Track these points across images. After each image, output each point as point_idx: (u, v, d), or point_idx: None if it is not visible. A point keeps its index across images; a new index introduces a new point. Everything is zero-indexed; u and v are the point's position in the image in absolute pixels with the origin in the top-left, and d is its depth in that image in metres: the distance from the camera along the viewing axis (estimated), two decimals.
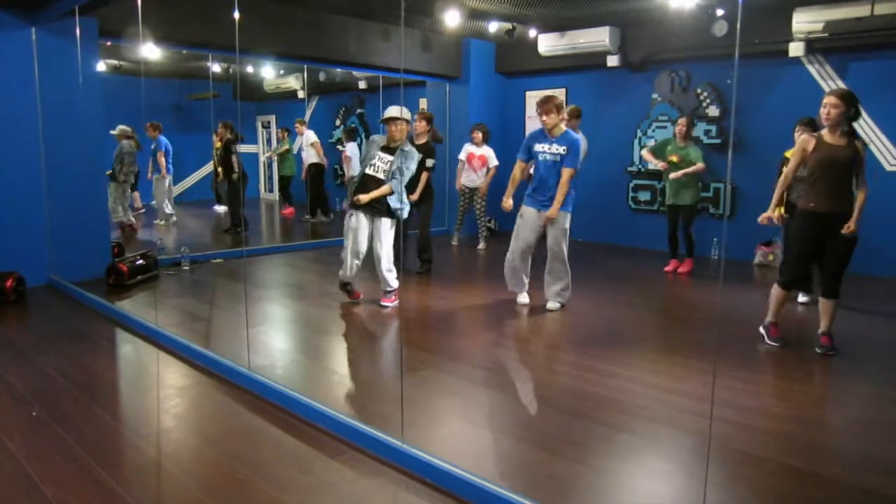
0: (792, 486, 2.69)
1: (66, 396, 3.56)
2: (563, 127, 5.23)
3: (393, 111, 5.19)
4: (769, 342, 4.44)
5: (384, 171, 5.23)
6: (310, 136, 10.51)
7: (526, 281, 5.52)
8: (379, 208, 5.25)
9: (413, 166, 5.27)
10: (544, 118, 5.15)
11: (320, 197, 10.68)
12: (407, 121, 5.26)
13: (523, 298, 5.54)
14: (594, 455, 2.94)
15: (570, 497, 2.59)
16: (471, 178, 8.32)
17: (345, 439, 3.03)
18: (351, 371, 4.26)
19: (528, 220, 5.32)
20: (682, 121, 6.75)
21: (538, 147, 5.26)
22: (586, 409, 3.43)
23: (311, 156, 10.43)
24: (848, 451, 3.05)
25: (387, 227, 5.29)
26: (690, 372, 3.96)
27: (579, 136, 7.22)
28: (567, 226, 5.27)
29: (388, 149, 5.29)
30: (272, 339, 4.80)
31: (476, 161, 8.26)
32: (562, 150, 5.16)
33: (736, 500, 2.57)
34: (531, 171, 5.60)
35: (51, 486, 2.62)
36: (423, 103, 10.63)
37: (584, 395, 3.62)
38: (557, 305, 5.39)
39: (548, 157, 5.20)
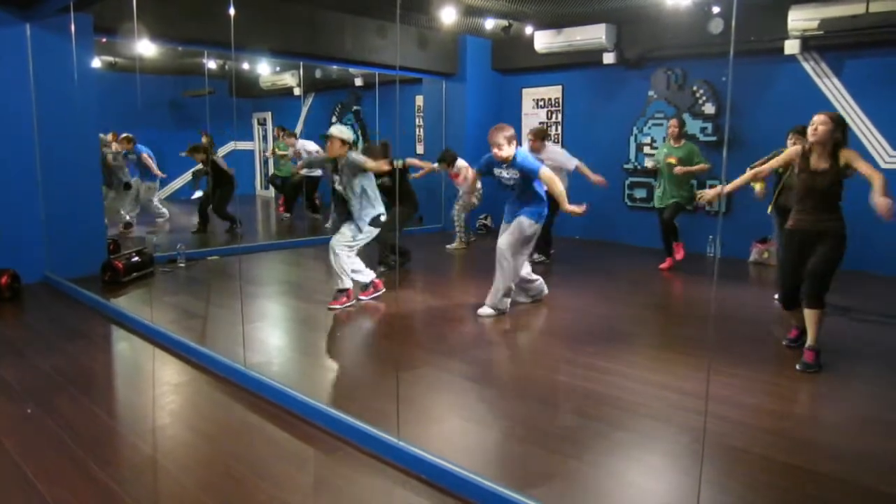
0: (788, 483, 2.70)
1: (61, 393, 3.55)
2: (512, 151, 5.02)
3: (331, 129, 5.39)
4: (783, 342, 4.46)
5: (341, 186, 5.41)
6: (310, 148, 10.40)
7: (524, 288, 5.50)
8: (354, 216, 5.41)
9: (360, 161, 5.32)
10: (495, 150, 5.01)
11: (312, 197, 10.72)
12: (342, 140, 5.31)
13: (520, 297, 5.55)
14: (590, 452, 2.95)
15: (565, 493, 2.60)
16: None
17: (341, 436, 3.03)
18: (347, 368, 4.26)
19: (502, 233, 5.30)
20: (674, 122, 6.79)
21: (497, 171, 5.20)
22: (583, 406, 3.44)
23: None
24: (844, 448, 3.05)
25: (350, 226, 5.41)
26: (687, 369, 3.97)
27: (553, 153, 7.05)
28: (527, 234, 5.10)
29: (335, 167, 5.46)
30: (268, 335, 4.79)
31: (460, 178, 8.25)
32: (515, 174, 5.07)
33: (731, 497, 2.58)
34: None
35: (46, 483, 2.61)
36: (419, 100, 10.63)
37: (581, 392, 3.63)
38: (486, 311, 5.18)
39: (508, 181, 5.18)
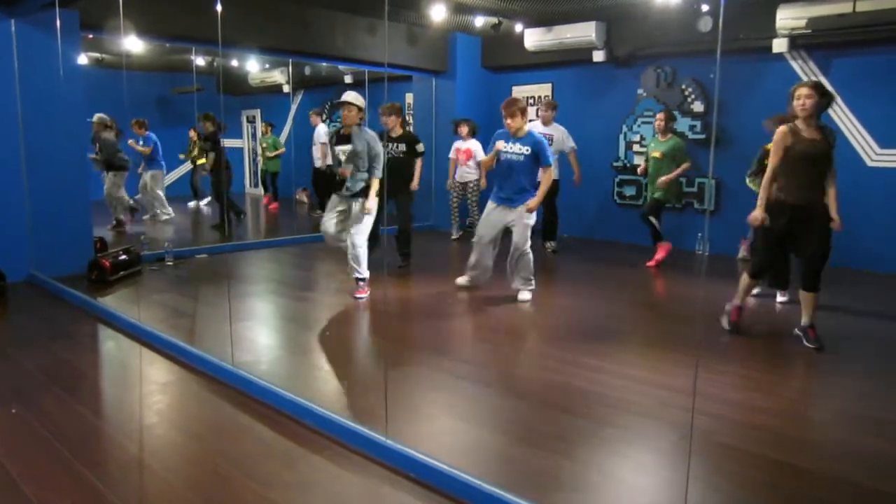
0: (776, 479, 2.72)
1: (47, 393, 3.52)
2: (526, 128, 5.32)
3: (345, 96, 5.33)
4: (725, 327, 4.51)
5: (345, 163, 5.34)
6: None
7: (479, 270, 5.64)
8: (354, 192, 5.37)
9: (378, 147, 5.32)
10: (509, 121, 5.25)
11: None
12: (358, 107, 5.30)
13: (461, 280, 5.79)
14: (579, 449, 2.96)
15: (555, 491, 2.60)
16: (461, 172, 8.40)
17: (329, 435, 3.02)
18: (335, 367, 4.24)
19: (488, 215, 5.46)
20: (660, 115, 6.81)
21: (504, 147, 5.32)
22: (571, 404, 3.44)
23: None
24: (835, 445, 3.08)
25: (359, 210, 5.36)
26: (676, 366, 3.98)
27: (556, 130, 7.37)
28: (532, 222, 5.35)
29: (343, 137, 5.40)
30: (256, 334, 4.77)
31: (462, 155, 8.32)
32: (525, 150, 5.24)
33: (721, 494, 2.59)
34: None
35: (32, 485, 2.59)
36: (409, 98, 10.60)
37: (570, 390, 3.64)
38: (528, 296, 5.48)
39: (511, 156, 5.29)
